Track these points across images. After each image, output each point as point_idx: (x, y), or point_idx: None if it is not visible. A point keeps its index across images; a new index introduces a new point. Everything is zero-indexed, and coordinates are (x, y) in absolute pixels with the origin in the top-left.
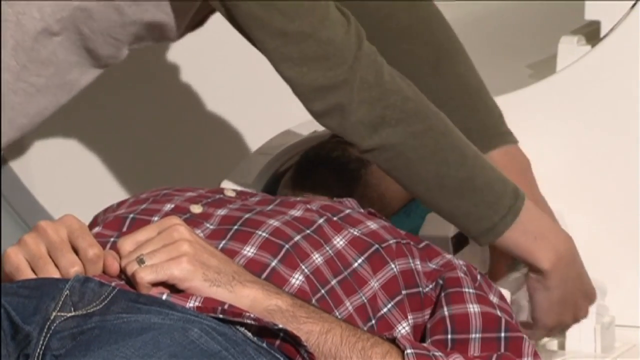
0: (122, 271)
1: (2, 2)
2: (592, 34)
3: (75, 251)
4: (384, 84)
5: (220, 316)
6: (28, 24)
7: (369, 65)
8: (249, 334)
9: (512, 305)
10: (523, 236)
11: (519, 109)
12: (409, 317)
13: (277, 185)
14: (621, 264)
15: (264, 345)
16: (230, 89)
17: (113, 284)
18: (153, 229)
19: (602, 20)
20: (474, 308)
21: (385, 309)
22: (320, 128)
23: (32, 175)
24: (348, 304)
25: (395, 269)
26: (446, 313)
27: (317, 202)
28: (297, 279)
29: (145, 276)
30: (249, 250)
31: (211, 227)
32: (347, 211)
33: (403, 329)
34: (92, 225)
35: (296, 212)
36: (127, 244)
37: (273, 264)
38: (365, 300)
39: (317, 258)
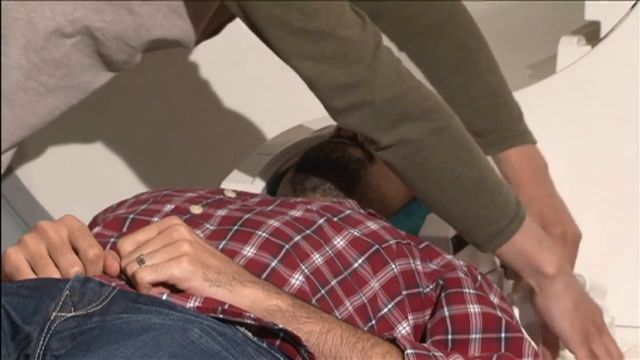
0: (122, 271)
1: (14, 1)
2: (592, 34)
3: (76, 251)
4: (404, 82)
5: (221, 316)
6: (40, 22)
7: (389, 63)
8: (249, 334)
9: None
10: (529, 240)
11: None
12: (409, 318)
13: (277, 185)
14: (621, 264)
15: (264, 345)
16: (231, 89)
17: (113, 284)
18: (153, 229)
19: (602, 21)
20: (474, 308)
21: (385, 309)
22: (318, 128)
23: (32, 175)
24: (348, 304)
25: (395, 269)
26: (446, 313)
27: (317, 202)
28: (297, 279)
29: (146, 276)
30: (249, 251)
31: (211, 227)
32: (348, 212)
33: (403, 329)
34: (91, 226)
35: (296, 213)
36: (127, 244)
37: (273, 264)
38: (366, 301)
39: (317, 258)
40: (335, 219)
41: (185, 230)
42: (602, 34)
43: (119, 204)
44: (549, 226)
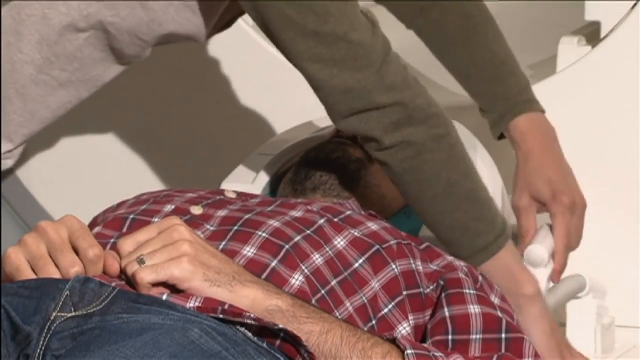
0: (122, 271)
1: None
2: (592, 34)
3: (76, 251)
4: (411, 88)
5: (221, 316)
6: (54, 18)
7: (396, 69)
8: (249, 334)
9: None
10: (512, 258)
11: None
12: (409, 318)
13: (277, 185)
14: (621, 264)
15: (264, 345)
16: (231, 89)
17: (113, 284)
18: (153, 229)
19: (603, 21)
20: (474, 309)
21: (385, 310)
22: (318, 128)
23: (32, 175)
24: (348, 304)
25: (396, 270)
26: (447, 314)
27: (317, 203)
28: (297, 279)
29: (146, 276)
30: (249, 251)
31: (211, 228)
32: (348, 212)
33: (404, 329)
34: (91, 226)
35: (297, 213)
36: (127, 244)
37: (273, 264)
38: (366, 301)
39: (317, 258)
40: (335, 220)
41: (185, 230)
42: (602, 34)
43: (119, 204)
44: (559, 194)
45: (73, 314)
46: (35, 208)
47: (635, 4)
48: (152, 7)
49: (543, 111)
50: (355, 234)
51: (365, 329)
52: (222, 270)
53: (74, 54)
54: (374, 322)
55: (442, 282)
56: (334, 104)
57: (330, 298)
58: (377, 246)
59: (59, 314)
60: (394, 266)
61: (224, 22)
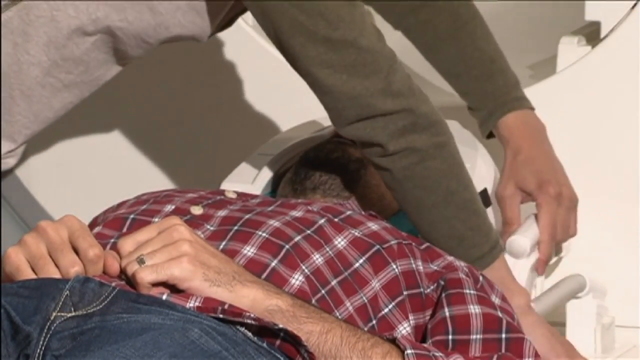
0: (123, 271)
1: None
2: (592, 34)
3: (76, 251)
4: (416, 95)
5: (221, 316)
6: (63, 21)
7: (402, 78)
8: (249, 334)
9: None
10: (505, 270)
11: None
12: (410, 318)
13: (277, 185)
14: (621, 264)
15: (264, 345)
16: (231, 89)
17: (113, 284)
18: (153, 229)
19: (603, 21)
20: (474, 309)
21: (386, 310)
22: (319, 128)
23: (32, 175)
24: (348, 304)
25: (396, 270)
26: (447, 314)
27: (318, 203)
28: (297, 279)
29: (146, 276)
30: (249, 250)
31: (211, 228)
32: (348, 212)
33: (404, 329)
34: (92, 226)
35: (297, 213)
36: (128, 244)
37: (273, 264)
38: (366, 301)
39: (317, 258)
40: (336, 220)
41: (186, 230)
42: (602, 34)
43: (120, 204)
44: (545, 185)
45: (73, 314)
46: (35, 208)
47: (635, 4)
48: (159, 11)
49: (532, 109)
50: (356, 234)
51: (366, 329)
52: (222, 270)
53: (80, 57)
54: (374, 322)
55: (442, 282)
56: (342, 109)
57: (330, 298)
58: (378, 246)
59: (59, 314)
60: (394, 266)
61: (226, 21)
